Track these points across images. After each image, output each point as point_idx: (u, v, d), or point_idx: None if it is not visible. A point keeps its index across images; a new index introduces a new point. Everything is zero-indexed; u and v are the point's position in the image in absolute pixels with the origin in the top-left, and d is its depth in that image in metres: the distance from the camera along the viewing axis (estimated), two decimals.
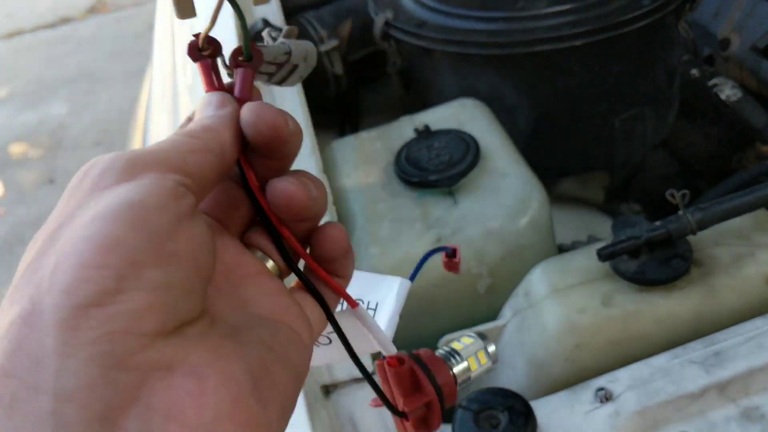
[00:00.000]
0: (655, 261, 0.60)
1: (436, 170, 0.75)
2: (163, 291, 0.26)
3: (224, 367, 0.27)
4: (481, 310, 0.74)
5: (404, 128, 0.85)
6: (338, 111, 1.22)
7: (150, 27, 3.84)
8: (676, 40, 1.05)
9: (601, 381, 0.56)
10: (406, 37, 1.00)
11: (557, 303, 0.61)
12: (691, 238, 0.61)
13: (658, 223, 0.61)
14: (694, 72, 1.25)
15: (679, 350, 0.57)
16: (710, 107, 1.26)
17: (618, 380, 0.56)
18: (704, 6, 1.25)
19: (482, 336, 0.46)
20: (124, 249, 0.26)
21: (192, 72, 0.97)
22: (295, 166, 0.37)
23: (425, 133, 0.81)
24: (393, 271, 0.71)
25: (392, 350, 0.39)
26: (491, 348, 0.45)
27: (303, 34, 1.10)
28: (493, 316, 0.74)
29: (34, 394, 0.24)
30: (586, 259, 0.64)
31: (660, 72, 1.03)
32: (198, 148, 0.30)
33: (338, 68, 1.10)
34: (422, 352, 0.43)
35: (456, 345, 0.45)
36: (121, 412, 0.24)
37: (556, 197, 1.04)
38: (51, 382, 0.24)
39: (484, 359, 0.45)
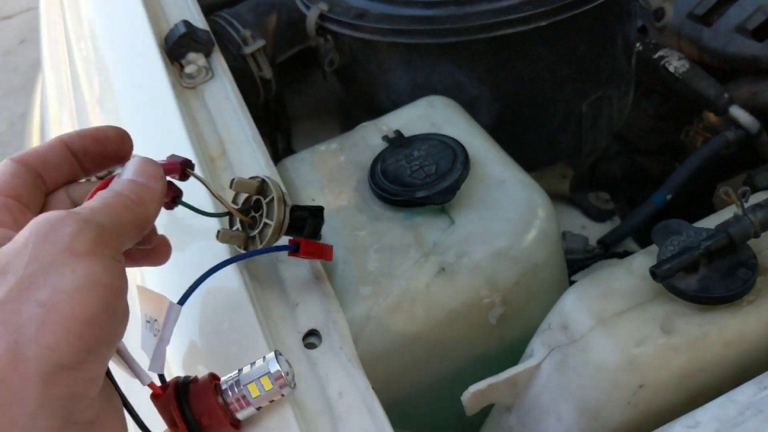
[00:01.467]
0: (717, 273, 0.50)
1: (423, 185, 0.63)
2: (104, 364, 0.34)
3: (118, 424, 0.36)
4: (492, 343, 0.63)
5: (368, 136, 0.72)
6: (266, 119, 1.08)
7: (22, 41, 3.54)
8: (633, 15, 0.97)
9: (680, 427, 0.46)
10: (346, 30, 0.88)
11: (609, 335, 0.51)
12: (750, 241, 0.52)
13: (711, 227, 0.52)
14: (638, 45, 1.18)
15: (764, 379, 0.47)
16: (657, 81, 1.20)
17: (701, 424, 0.46)
18: None
19: (276, 355, 0.43)
20: (97, 327, 0.33)
21: (99, 85, 0.82)
22: None
23: (398, 141, 0.69)
24: (394, 313, 0.59)
25: (145, 379, 0.41)
26: (275, 368, 0.43)
27: (222, 37, 0.96)
28: (506, 348, 0.63)
29: (9, 427, 0.30)
30: (627, 278, 0.54)
31: (621, 48, 0.95)
32: (131, 222, 0.38)
33: (266, 72, 0.97)
34: (200, 378, 0.43)
35: (246, 368, 0.44)
36: None
37: None
38: (26, 421, 0.30)
39: (269, 385, 0.43)
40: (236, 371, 0.44)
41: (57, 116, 1.03)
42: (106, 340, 0.34)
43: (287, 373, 0.43)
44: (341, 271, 0.60)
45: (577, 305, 0.54)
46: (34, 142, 1.58)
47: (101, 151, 0.44)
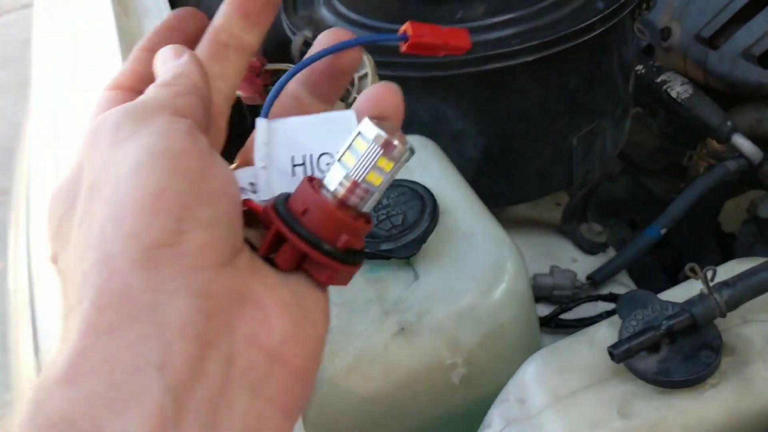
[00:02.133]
0: (679, 355, 0.48)
1: (389, 237, 0.61)
2: (214, 227, 0.28)
3: (278, 296, 0.29)
4: (456, 402, 0.61)
5: None
6: None
7: None
8: (630, 41, 0.94)
9: None
10: None
11: (563, 416, 0.49)
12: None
13: (676, 304, 0.50)
14: (639, 68, 1.15)
15: None
16: (659, 105, 1.17)
17: None
18: None
19: (381, 128, 0.29)
20: (172, 194, 0.27)
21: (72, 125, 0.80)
22: None
23: None
24: (350, 375, 0.57)
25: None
26: (396, 142, 0.29)
27: None
28: (471, 406, 0.61)
29: (134, 322, 0.25)
30: (588, 351, 0.52)
31: (616, 75, 0.92)
32: (181, 93, 0.31)
33: None
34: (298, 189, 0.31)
35: (348, 157, 0.30)
36: (214, 335, 0.26)
37: (507, 222, 0.92)
38: (146, 314, 0.26)
39: (388, 165, 0.30)
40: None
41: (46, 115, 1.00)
42: (192, 203, 0.28)
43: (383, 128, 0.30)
44: None
45: (537, 379, 0.52)
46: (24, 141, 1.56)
47: (184, 39, 0.37)
